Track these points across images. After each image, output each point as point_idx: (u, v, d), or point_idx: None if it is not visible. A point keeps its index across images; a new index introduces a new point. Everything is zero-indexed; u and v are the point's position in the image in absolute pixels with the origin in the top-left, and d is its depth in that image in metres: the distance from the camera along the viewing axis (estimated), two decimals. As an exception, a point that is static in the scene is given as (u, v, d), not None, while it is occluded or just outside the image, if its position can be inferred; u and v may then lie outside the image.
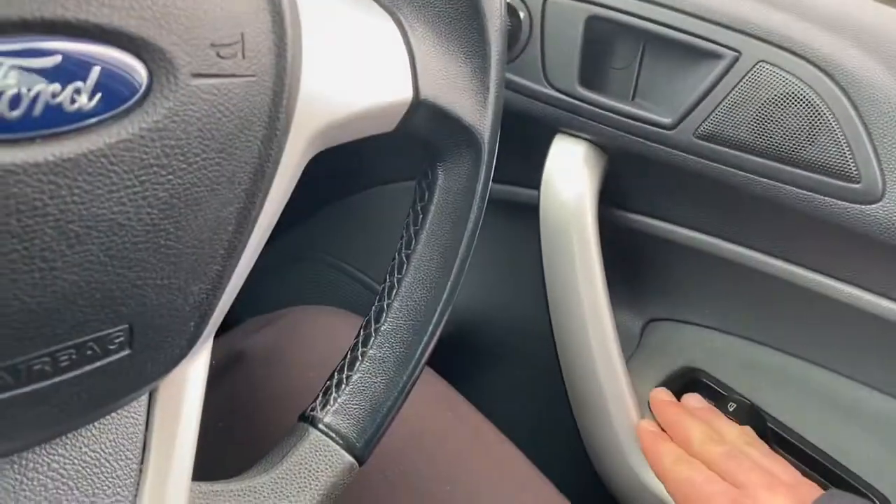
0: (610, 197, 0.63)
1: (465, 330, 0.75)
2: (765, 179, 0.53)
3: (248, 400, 0.51)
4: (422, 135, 0.36)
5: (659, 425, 0.61)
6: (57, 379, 0.25)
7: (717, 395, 0.65)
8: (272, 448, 0.37)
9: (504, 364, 0.80)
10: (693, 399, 0.63)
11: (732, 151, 0.53)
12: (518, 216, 0.68)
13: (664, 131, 0.54)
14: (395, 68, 0.33)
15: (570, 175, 0.59)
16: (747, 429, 0.60)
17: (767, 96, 0.50)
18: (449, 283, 0.38)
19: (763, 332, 0.66)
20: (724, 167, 0.54)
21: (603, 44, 0.57)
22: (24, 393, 0.24)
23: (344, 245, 0.88)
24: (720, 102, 0.52)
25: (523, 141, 0.62)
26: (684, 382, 0.66)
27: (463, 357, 0.78)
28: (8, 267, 0.22)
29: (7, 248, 0.22)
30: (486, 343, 0.79)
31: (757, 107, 0.50)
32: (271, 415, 0.49)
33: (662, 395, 0.63)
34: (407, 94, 0.34)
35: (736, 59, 0.51)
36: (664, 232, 0.64)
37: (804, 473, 0.57)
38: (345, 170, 0.78)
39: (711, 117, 0.52)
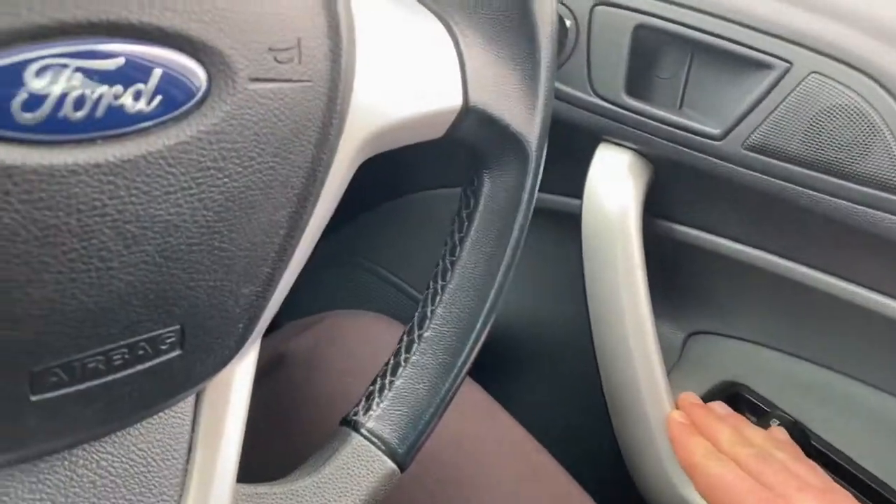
0: (654, 207, 0.62)
1: (504, 337, 0.74)
2: (815, 192, 0.52)
3: (288, 403, 0.51)
4: (469, 141, 0.36)
5: None
6: (110, 378, 0.25)
7: (760, 411, 0.64)
8: (314, 451, 0.37)
9: (542, 373, 0.80)
10: (719, 406, 0.62)
11: (782, 163, 0.52)
12: (559, 224, 0.68)
13: (712, 142, 0.54)
14: (445, 74, 0.33)
15: (614, 184, 0.59)
16: (775, 431, 0.59)
17: (820, 108, 0.49)
18: (493, 291, 0.38)
19: (808, 348, 0.65)
20: (773, 179, 0.53)
21: (650, 53, 0.56)
22: (78, 391, 0.25)
23: (381, 250, 0.89)
24: (770, 113, 0.51)
25: (566, 149, 0.62)
26: (726, 397, 0.65)
27: (501, 365, 0.78)
28: (67, 266, 0.22)
29: (67, 247, 0.22)
30: (525, 351, 0.78)
31: (808, 118, 0.50)
32: (312, 418, 0.50)
33: (690, 398, 0.62)
34: (457, 101, 0.34)
35: (787, 70, 0.50)
36: (709, 243, 0.63)
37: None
38: (384, 174, 0.78)
39: (761, 128, 0.51)
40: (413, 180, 0.80)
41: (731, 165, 0.54)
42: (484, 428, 0.54)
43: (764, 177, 0.53)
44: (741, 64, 0.52)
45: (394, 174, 0.79)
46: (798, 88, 0.50)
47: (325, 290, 0.88)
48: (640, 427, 0.61)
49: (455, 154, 0.37)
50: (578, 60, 0.57)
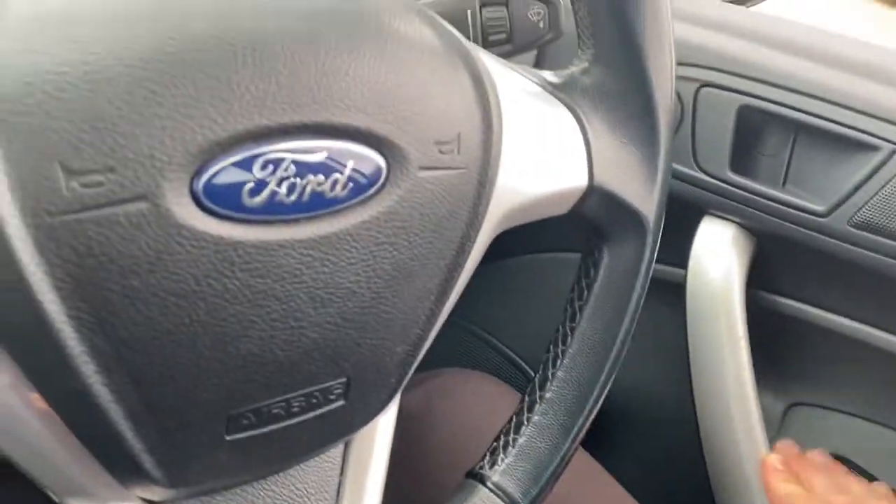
0: (757, 279, 0.63)
1: (607, 401, 0.76)
2: (922, 270, 0.52)
3: (406, 455, 0.54)
4: (592, 217, 0.39)
5: None
6: (288, 422, 0.29)
7: (864, 487, 0.64)
8: (435, 500, 0.40)
9: (644, 439, 0.81)
10: (818, 454, 0.61)
11: (888, 241, 0.53)
12: (661, 293, 0.70)
13: (816, 218, 0.55)
14: (573, 157, 0.37)
15: (718, 256, 0.60)
16: (877, 485, 0.58)
17: (927, 188, 0.50)
18: (611, 357, 0.40)
19: (913, 424, 0.65)
20: (878, 256, 0.54)
21: (754, 131, 0.58)
22: (263, 433, 0.28)
23: (479, 310, 0.92)
24: (877, 192, 0.52)
25: (670, 220, 0.64)
26: (828, 471, 0.65)
27: (604, 429, 0.79)
28: (269, 324, 0.26)
29: (270, 309, 0.26)
30: (627, 416, 0.79)
31: (916, 198, 0.51)
32: (429, 470, 0.52)
33: (788, 445, 0.61)
34: (583, 181, 0.37)
35: (894, 152, 0.51)
36: (812, 316, 0.63)
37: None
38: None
39: (867, 206, 0.53)
40: (514, 245, 0.84)
41: (835, 241, 0.55)
42: (588, 489, 0.56)
43: (869, 253, 0.54)
44: (845, 144, 0.54)
45: (505, 236, 0.83)
46: (905, 169, 0.51)
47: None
48: (741, 498, 0.61)
49: (556, 222, 0.40)
50: (684, 137, 0.60)
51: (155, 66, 0.22)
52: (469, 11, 0.46)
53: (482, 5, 0.46)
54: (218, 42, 0.24)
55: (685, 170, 0.60)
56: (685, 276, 0.63)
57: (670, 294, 0.65)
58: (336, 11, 0.27)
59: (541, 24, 0.46)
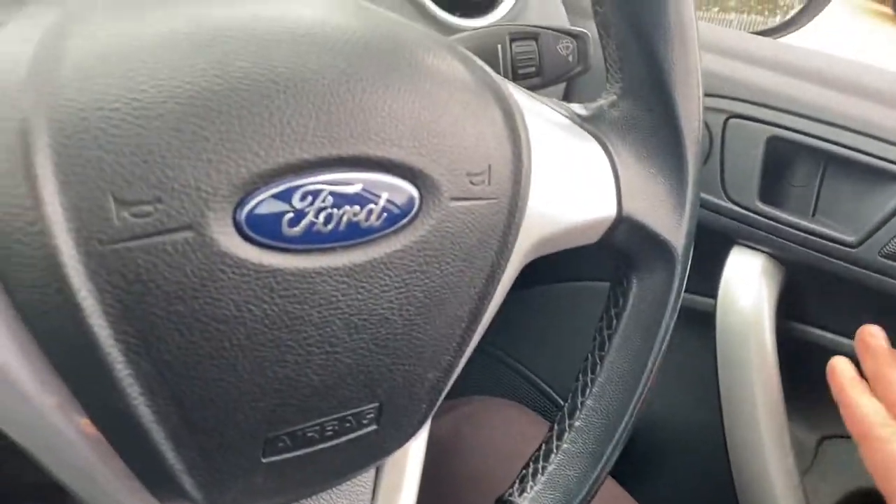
0: (787, 309, 0.63)
1: (636, 429, 0.76)
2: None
3: (435, 481, 0.54)
4: (621, 246, 0.39)
5: (860, 371, 0.50)
6: (321, 446, 0.30)
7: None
8: None
9: (673, 467, 0.80)
10: None
11: (920, 272, 0.53)
12: (691, 322, 0.70)
13: (847, 249, 0.55)
14: (602, 188, 0.37)
15: (747, 286, 0.61)
16: None
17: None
18: (640, 386, 0.41)
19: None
20: (910, 286, 0.54)
21: (783, 162, 0.59)
22: (297, 456, 0.29)
23: (511, 339, 0.92)
24: (908, 223, 0.52)
25: (699, 250, 0.64)
26: (863, 505, 0.64)
27: (632, 456, 0.79)
28: (305, 349, 0.27)
29: (307, 334, 0.27)
30: (656, 444, 0.79)
31: (947, 229, 0.51)
32: (459, 495, 0.53)
33: (875, 337, 0.50)
34: (611, 211, 0.37)
35: (924, 182, 0.51)
36: (843, 347, 0.63)
37: None
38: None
39: (898, 237, 0.53)
40: (544, 273, 0.84)
41: (866, 272, 0.55)
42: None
43: (901, 283, 0.54)
44: (876, 174, 0.54)
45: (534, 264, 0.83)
46: (936, 200, 0.51)
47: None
48: (773, 529, 0.61)
49: (586, 251, 0.41)
50: (712, 167, 0.61)
51: (201, 102, 0.24)
52: (499, 46, 0.47)
53: (512, 40, 0.47)
54: (260, 80, 0.25)
55: (714, 200, 0.61)
56: (714, 306, 0.63)
57: (699, 323, 0.65)
58: (372, 49, 0.28)
59: (570, 58, 0.47)
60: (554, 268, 0.83)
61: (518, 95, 0.34)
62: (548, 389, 0.88)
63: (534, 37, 0.47)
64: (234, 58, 0.25)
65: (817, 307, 0.63)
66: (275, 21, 0.27)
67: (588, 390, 0.41)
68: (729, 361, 0.62)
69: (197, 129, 0.23)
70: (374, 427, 0.31)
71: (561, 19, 0.69)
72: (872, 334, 0.50)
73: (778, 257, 0.61)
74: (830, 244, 0.56)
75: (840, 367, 0.50)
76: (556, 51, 0.48)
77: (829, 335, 0.64)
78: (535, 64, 0.47)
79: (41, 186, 0.22)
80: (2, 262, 0.22)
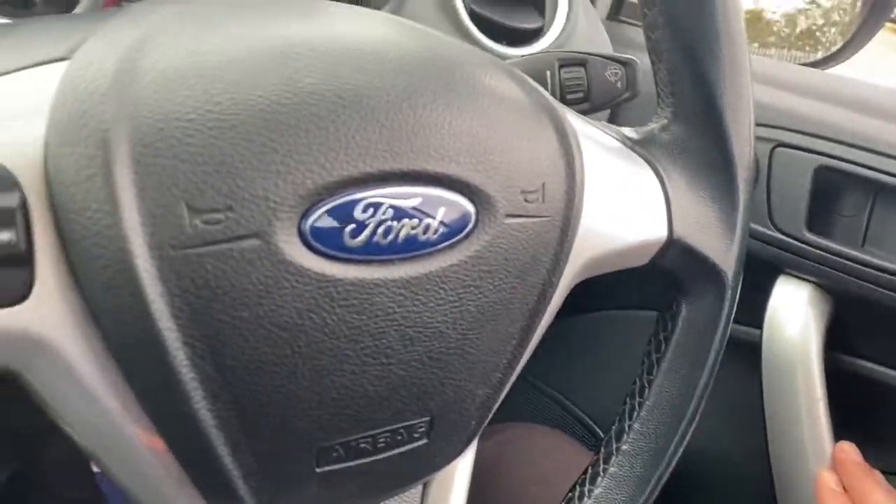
0: (835, 340, 0.62)
1: (679, 460, 0.75)
2: None
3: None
4: (670, 270, 0.39)
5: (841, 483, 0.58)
6: (373, 458, 0.30)
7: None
8: None
9: (717, 497, 0.79)
10: (878, 474, 0.60)
11: (974, 303, 0.52)
12: (735, 352, 0.69)
13: (897, 279, 0.55)
14: (653, 210, 0.37)
15: (794, 316, 0.60)
16: None
17: None
18: (688, 413, 0.40)
19: None
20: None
21: (831, 191, 0.58)
22: (349, 466, 0.29)
23: (549, 368, 0.92)
24: (961, 254, 0.51)
25: (745, 279, 0.64)
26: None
27: (676, 488, 0.77)
28: (361, 359, 0.27)
29: (364, 344, 0.27)
30: (700, 476, 0.78)
31: None
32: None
33: (850, 454, 0.59)
34: (662, 233, 0.37)
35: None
36: (892, 380, 0.62)
37: None
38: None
39: (951, 268, 0.52)
40: (584, 301, 0.84)
41: (918, 303, 0.54)
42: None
43: (954, 316, 0.53)
44: (927, 204, 0.53)
45: (580, 292, 0.83)
46: None
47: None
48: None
49: (626, 279, 0.41)
50: (758, 196, 0.60)
51: (272, 115, 0.24)
52: (548, 72, 0.48)
53: (561, 66, 0.48)
54: (327, 96, 0.26)
55: (760, 228, 0.60)
56: (760, 336, 0.62)
57: (744, 353, 0.64)
58: (431, 68, 0.29)
59: (618, 84, 0.47)
60: (595, 296, 0.83)
61: (571, 118, 0.34)
62: (585, 418, 0.87)
63: (582, 63, 0.48)
64: (303, 74, 0.26)
65: (866, 338, 0.62)
66: (342, 41, 0.28)
67: (636, 414, 0.41)
68: (775, 392, 0.61)
69: (267, 142, 0.24)
70: (424, 441, 0.31)
71: (606, 48, 0.70)
72: (844, 450, 0.59)
73: (826, 287, 0.60)
74: (880, 274, 0.55)
75: (823, 479, 0.58)
76: (604, 77, 0.48)
77: (878, 367, 0.63)
78: (583, 89, 0.48)
79: (119, 193, 0.22)
80: (77, 263, 0.23)
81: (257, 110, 0.24)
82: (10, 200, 0.22)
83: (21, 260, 0.23)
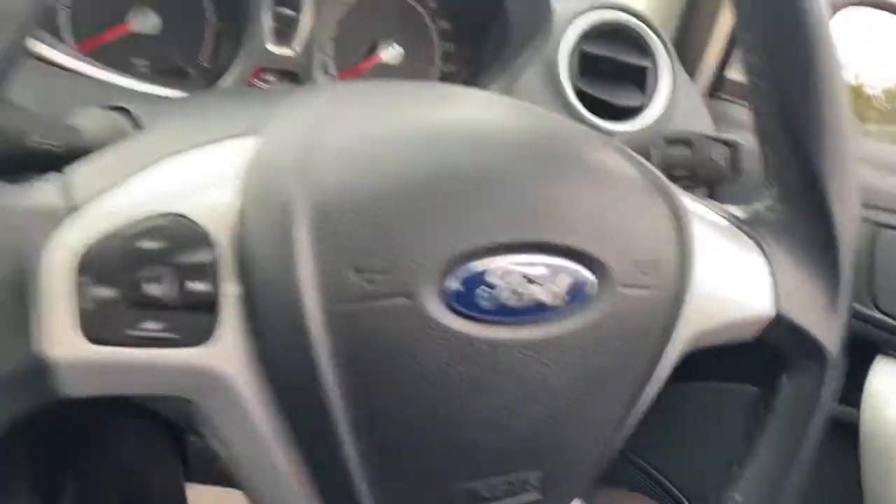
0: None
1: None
2: None
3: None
4: (775, 345, 0.41)
5: None
6: None
7: None
8: None
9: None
10: None
11: None
12: (830, 431, 0.68)
13: None
14: (759, 287, 0.39)
15: (895, 398, 0.59)
16: None
17: None
18: (787, 487, 0.41)
19: None
20: None
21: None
22: None
23: (639, 438, 0.91)
24: None
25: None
26: None
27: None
28: (487, 412, 0.30)
29: (491, 398, 0.30)
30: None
31: None
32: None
33: None
34: (768, 310, 0.39)
35: None
36: None
37: None
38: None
39: None
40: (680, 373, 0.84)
41: None
42: None
43: None
44: None
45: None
46: None
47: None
48: None
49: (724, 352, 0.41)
50: (858, 276, 0.60)
51: (424, 193, 0.28)
52: (654, 149, 0.50)
53: (668, 144, 0.50)
54: (469, 175, 0.29)
55: (860, 308, 0.60)
56: (857, 416, 0.61)
57: (838, 432, 0.64)
58: (553, 149, 0.32)
59: (723, 164, 0.49)
60: (693, 368, 0.83)
61: (681, 195, 0.37)
62: (672, 489, 0.86)
63: (688, 142, 0.50)
64: (449, 156, 0.29)
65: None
66: (478, 126, 0.31)
67: (735, 485, 0.41)
68: (876, 474, 0.60)
69: (418, 214, 0.28)
70: (537, 495, 0.33)
71: (706, 125, 0.72)
72: None
73: (928, 370, 0.59)
74: None
75: None
76: (710, 157, 0.50)
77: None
78: (689, 167, 0.50)
79: (297, 253, 0.26)
80: (257, 311, 0.27)
81: (413, 187, 0.28)
82: (206, 256, 0.26)
83: (210, 308, 0.26)
